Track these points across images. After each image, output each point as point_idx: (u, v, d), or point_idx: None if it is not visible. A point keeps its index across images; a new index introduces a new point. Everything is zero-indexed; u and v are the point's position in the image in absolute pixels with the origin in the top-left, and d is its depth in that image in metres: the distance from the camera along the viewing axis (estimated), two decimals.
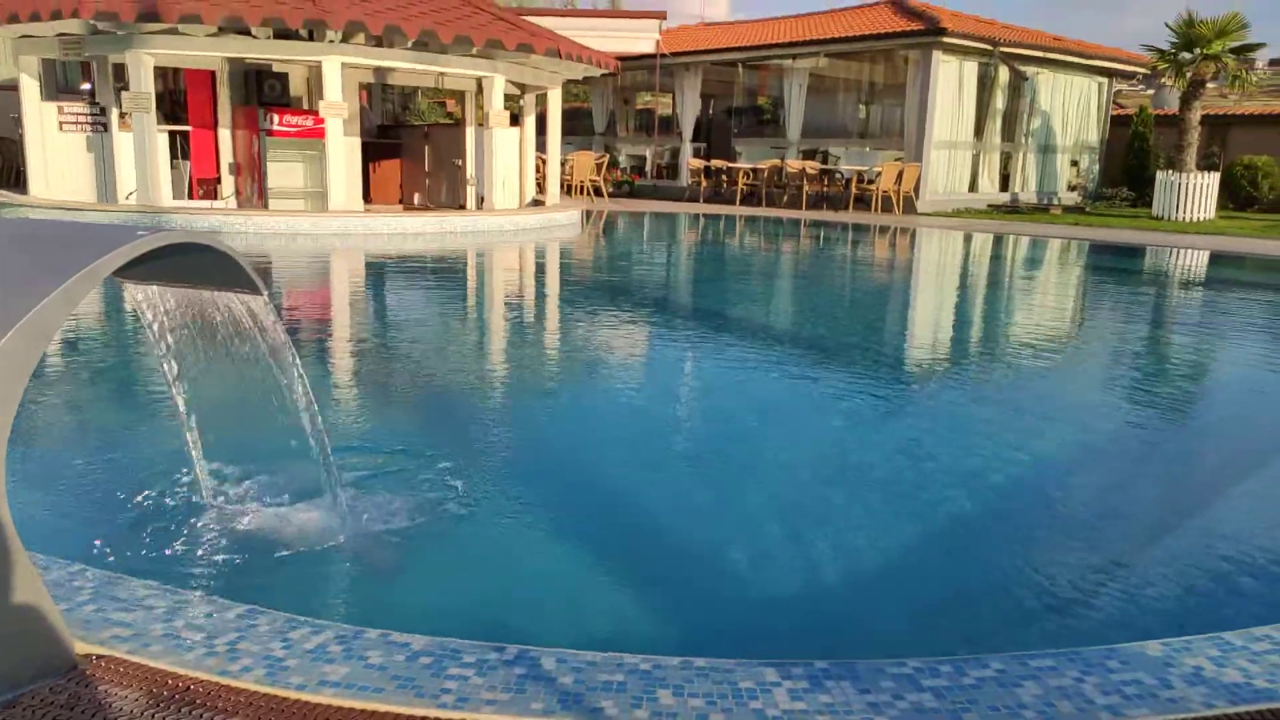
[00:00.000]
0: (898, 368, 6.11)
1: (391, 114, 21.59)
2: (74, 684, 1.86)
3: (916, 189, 18.77)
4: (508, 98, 14.86)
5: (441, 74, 14.62)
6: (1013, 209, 20.17)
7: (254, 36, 12.41)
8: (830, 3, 23.68)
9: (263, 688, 1.88)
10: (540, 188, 16.95)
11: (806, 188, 19.29)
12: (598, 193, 20.09)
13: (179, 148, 13.37)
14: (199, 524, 2.93)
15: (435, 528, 3.00)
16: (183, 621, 2.13)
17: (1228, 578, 2.87)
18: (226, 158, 13.67)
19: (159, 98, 12.88)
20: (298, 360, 2.73)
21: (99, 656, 1.96)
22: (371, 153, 15.40)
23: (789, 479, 3.71)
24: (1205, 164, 20.22)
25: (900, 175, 18.23)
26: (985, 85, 19.96)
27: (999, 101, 20.36)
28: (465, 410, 4.64)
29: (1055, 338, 7.21)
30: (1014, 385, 5.54)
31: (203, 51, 12.43)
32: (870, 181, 18.52)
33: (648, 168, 24.22)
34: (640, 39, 21.21)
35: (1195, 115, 18.62)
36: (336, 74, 12.45)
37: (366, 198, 14.76)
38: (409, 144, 16.23)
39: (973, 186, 20.49)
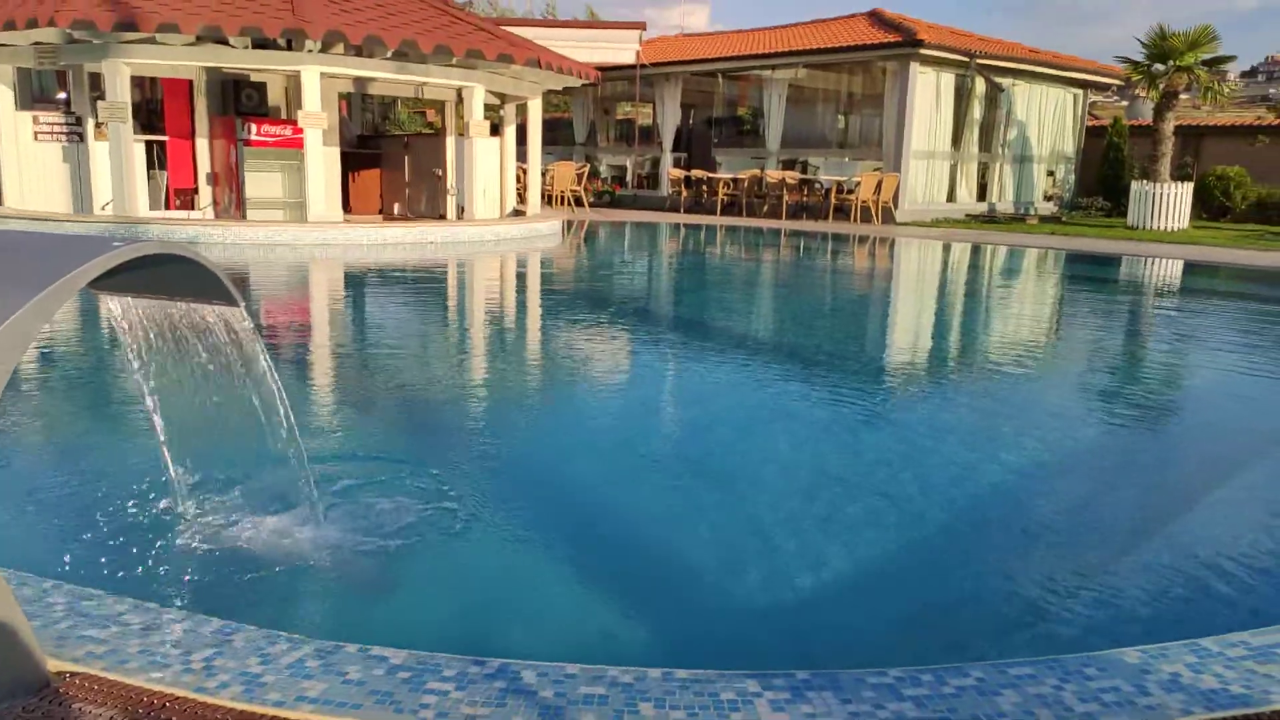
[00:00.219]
0: (878, 377, 6.14)
1: (371, 124, 21.54)
2: (47, 703, 1.83)
3: (895, 199, 18.90)
4: (488, 108, 14.86)
5: (421, 84, 14.62)
6: (990, 219, 20.34)
7: (232, 46, 12.36)
8: (809, 14, 23.89)
9: (240, 704, 1.85)
10: (521, 198, 16.95)
11: (786, 197, 19.38)
12: (579, 202, 20.10)
13: (156, 158, 13.28)
14: (175, 538, 2.90)
15: (413, 540, 2.98)
16: (158, 637, 2.11)
17: (1202, 583, 2.89)
18: (204, 168, 13.60)
19: (135, 107, 12.79)
20: (274, 372, 2.71)
21: (73, 674, 1.93)
22: (351, 163, 15.36)
23: (765, 488, 3.71)
24: (1179, 174, 20.48)
25: (879, 185, 18.34)
26: (962, 96, 20.15)
27: (976, 112, 20.55)
28: (445, 422, 4.62)
29: (1034, 347, 7.26)
30: (992, 394, 5.58)
31: (180, 61, 12.36)
32: (849, 191, 18.63)
33: (628, 178, 24.27)
34: (620, 49, 21.28)
35: (1169, 126, 18.86)
36: (315, 84, 12.41)
37: (346, 208, 14.70)
38: (389, 154, 16.20)
39: (951, 196, 20.66)
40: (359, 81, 15.08)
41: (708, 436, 4.48)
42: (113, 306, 2.50)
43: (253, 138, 12.76)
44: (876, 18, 21.08)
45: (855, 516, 3.41)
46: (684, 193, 21.13)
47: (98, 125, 12.58)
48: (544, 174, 18.75)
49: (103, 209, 12.58)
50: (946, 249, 15.43)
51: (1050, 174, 22.93)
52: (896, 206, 18.96)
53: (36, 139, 12.92)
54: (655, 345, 7.12)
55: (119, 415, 4.47)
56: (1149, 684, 2.01)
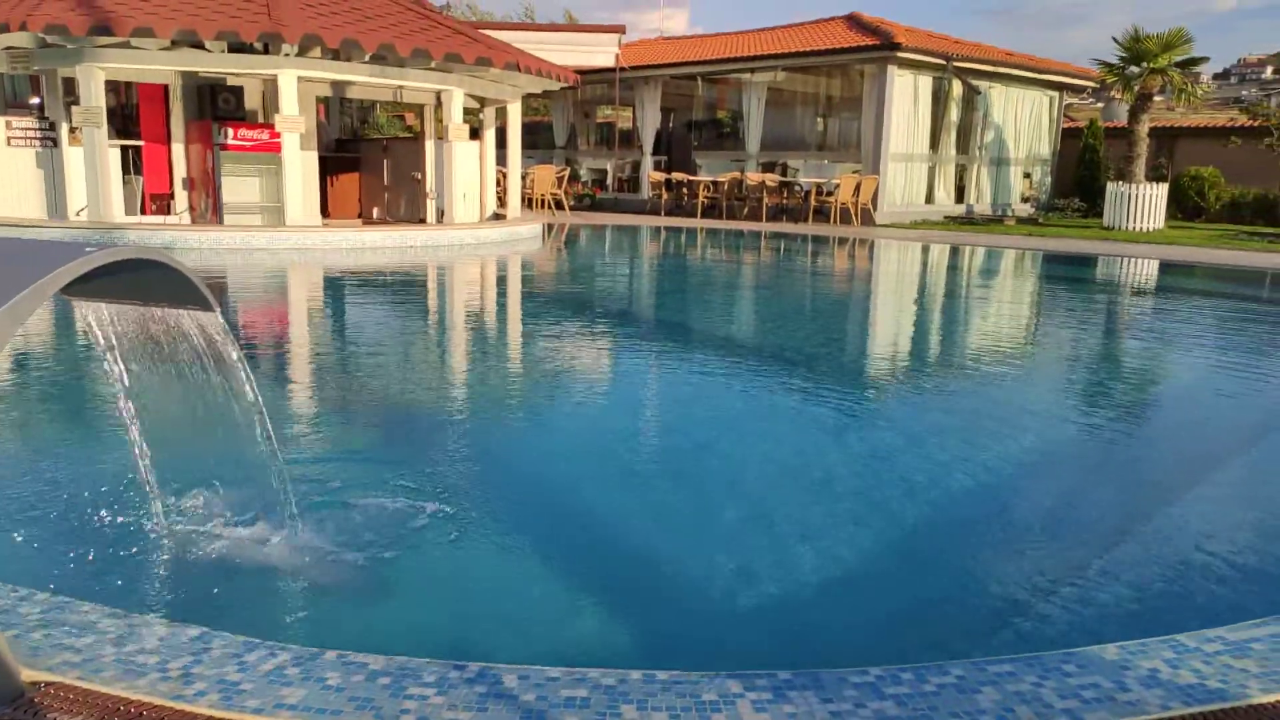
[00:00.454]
0: (858, 378, 6.17)
1: (350, 128, 21.43)
2: (22, 713, 1.81)
3: (874, 201, 19.00)
4: (467, 111, 14.82)
5: (400, 87, 14.55)
6: (968, 220, 20.48)
7: (208, 50, 12.27)
8: (788, 17, 23.99)
9: (218, 712, 1.84)
10: (501, 201, 16.92)
11: (766, 200, 19.44)
12: (559, 206, 20.08)
13: (131, 163, 13.16)
14: (151, 546, 2.88)
15: (391, 545, 2.96)
16: (135, 646, 2.09)
17: (1180, 579, 2.92)
18: (180, 173, 13.49)
19: (110, 112, 12.67)
20: (251, 378, 2.69)
21: (48, 684, 1.91)
22: (329, 167, 15.28)
23: (743, 487, 3.72)
24: (1154, 175, 20.70)
25: (858, 187, 18.43)
26: (939, 99, 20.28)
27: (953, 115, 20.69)
28: (423, 427, 4.60)
29: (1013, 346, 7.31)
30: (972, 392, 5.61)
31: (156, 65, 12.26)
32: (829, 194, 18.71)
33: (609, 181, 24.27)
34: (599, 53, 21.30)
35: (1144, 128, 19.06)
36: (292, 88, 12.34)
37: (324, 212, 14.62)
38: (367, 158, 16.13)
39: (929, 198, 20.79)
40: (337, 85, 15.00)
41: (683, 436, 4.48)
42: (86, 312, 2.48)
43: (229, 142, 12.67)
44: (854, 21, 21.20)
45: (827, 514, 3.42)
46: (664, 196, 21.15)
47: (72, 130, 12.45)
48: (524, 177, 18.72)
49: (77, 214, 12.45)
50: (926, 250, 15.52)
51: (1027, 176, 23.11)
52: (875, 208, 19.06)
53: (10, 144, 12.76)
54: (635, 348, 7.11)
55: (93, 422, 4.42)
56: (1128, 680, 2.03)
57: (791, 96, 23.48)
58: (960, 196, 21.62)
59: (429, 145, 14.97)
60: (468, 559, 2.95)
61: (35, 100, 14.15)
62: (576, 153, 25.77)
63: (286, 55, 12.42)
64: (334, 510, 3.18)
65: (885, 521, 3.39)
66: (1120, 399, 5.70)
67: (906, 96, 19.37)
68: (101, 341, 2.51)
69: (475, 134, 15.63)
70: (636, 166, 23.61)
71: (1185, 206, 21.21)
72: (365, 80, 13.57)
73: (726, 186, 20.08)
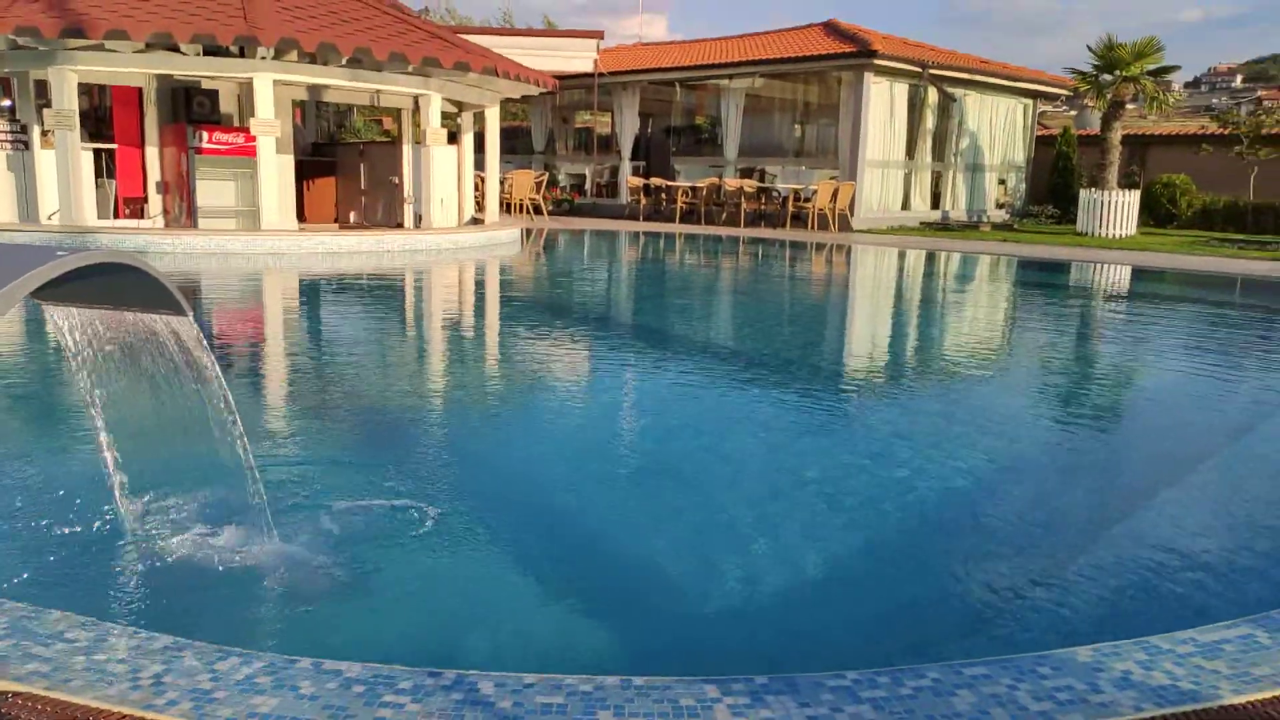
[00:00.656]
0: (836, 381, 6.19)
1: (326, 132, 21.33)
2: None
3: (851, 207, 19.10)
4: (445, 116, 14.79)
5: (377, 91, 14.50)
6: (944, 226, 20.65)
7: (183, 53, 12.17)
8: (766, 24, 24.13)
9: None
10: (479, 206, 16.88)
11: (744, 206, 19.51)
12: (537, 211, 20.06)
13: (104, 166, 13.03)
14: (122, 553, 2.84)
15: (362, 551, 2.94)
16: (105, 654, 2.06)
17: (1151, 582, 2.94)
18: (154, 176, 13.37)
19: (83, 115, 12.55)
20: (223, 383, 2.66)
21: (15, 694, 1.88)
22: (306, 171, 15.19)
23: (719, 491, 3.72)
24: (1126, 182, 20.94)
25: (835, 193, 18.53)
26: (915, 106, 20.44)
27: (929, 122, 20.86)
28: (398, 431, 4.57)
29: (989, 350, 7.37)
30: (948, 396, 5.65)
31: (129, 68, 12.16)
32: (806, 199, 18.80)
33: (587, 186, 24.27)
34: (578, 58, 21.29)
35: (1116, 135, 19.29)
36: (268, 91, 12.26)
37: (301, 217, 14.53)
38: (344, 162, 16.05)
39: (905, 204, 20.93)
40: (313, 89, 14.94)
41: (659, 439, 4.48)
42: (57, 316, 2.45)
43: (204, 146, 12.57)
44: (831, 28, 21.34)
45: (794, 516, 3.43)
46: (643, 201, 21.18)
47: (44, 133, 12.31)
48: (502, 182, 18.69)
49: (49, 218, 12.31)
50: (902, 256, 15.62)
51: (1002, 182, 23.33)
52: (852, 214, 19.17)
53: None
54: (609, 352, 7.11)
55: (63, 427, 4.37)
56: (1101, 682, 2.05)
57: (769, 103, 23.60)
58: (936, 203, 21.79)
59: (406, 149, 14.91)
60: (439, 561, 2.94)
61: (7, 103, 13.99)
62: (555, 158, 25.76)
63: (262, 58, 12.34)
64: (307, 514, 3.15)
65: (848, 521, 3.40)
66: (1091, 403, 5.76)
67: (883, 103, 19.51)
68: (71, 346, 2.48)
69: (453, 138, 15.60)
70: (615, 172, 23.63)
71: (1157, 213, 21.48)
72: (342, 84, 13.51)
73: (705, 192, 20.13)
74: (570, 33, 23.03)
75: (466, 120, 16.53)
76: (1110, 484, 4.08)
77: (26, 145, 12.57)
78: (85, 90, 13.11)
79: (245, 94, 13.58)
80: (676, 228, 19.28)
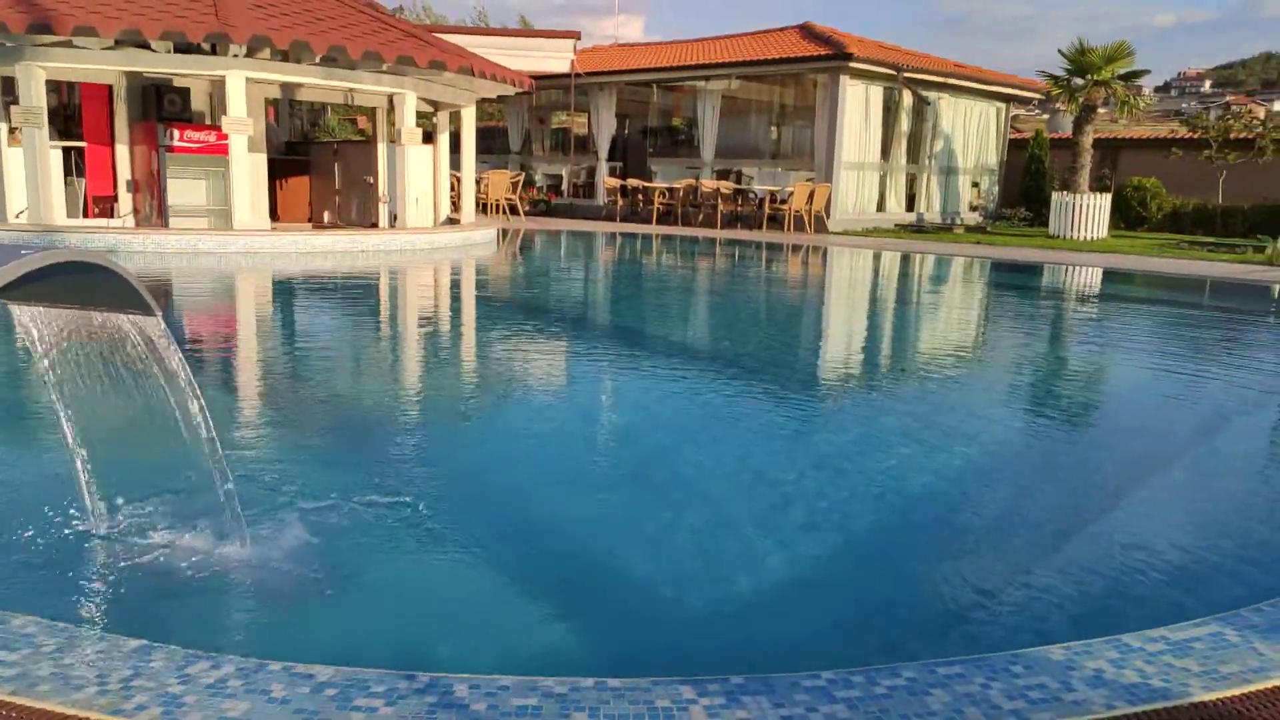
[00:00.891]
0: (811, 382, 6.21)
1: (300, 130, 21.15)
2: None
3: (827, 209, 19.19)
4: (421, 115, 14.70)
5: (351, 90, 14.39)
6: (919, 228, 20.79)
7: (153, 50, 12.02)
8: (742, 26, 24.20)
9: None
10: (455, 206, 16.80)
11: (721, 207, 19.54)
12: (514, 211, 20.00)
13: (73, 164, 12.85)
14: (89, 555, 2.80)
15: (336, 552, 2.92)
16: (72, 659, 2.03)
17: (1122, 580, 2.97)
18: (124, 175, 13.19)
19: (52, 112, 12.36)
20: (193, 383, 2.63)
21: None
22: (279, 170, 15.05)
23: (693, 492, 3.72)
24: (1098, 185, 21.18)
25: (811, 195, 18.61)
26: (890, 109, 20.57)
27: (904, 124, 20.99)
28: (370, 432, 4.54)
29: (962, 351, 7.42)
30: (921, 397, 5.68)
31: (99, 65, 12.00)
32: (783, 201, 18.86)
33: (564, 186, 24.23)
34: (554, 58, 21.24)
35: (1088, 139, 19.50)
36: (240, 89, 12.14)
37: (274, 216, 14.40)
38: (318, 161, 15.93)
39: (881, 206, 21.06)
40: (286, 87, 14.80)
41: (634, 440, 4.47)
42: (23, 316, 2.41)
43: (175, 144, 12.42)
44: (807, 31, 21.43)
45: (762, 515, 3.44)
46: (620, 202, 21.17)
47: (11, 131, 12.12)
48: (478, 182, 18.61)
49: (17, 217, 12.12)
50: (878, 257, 15.71)
51: (975, 185, 23.53)
52: (828, 216, 19.25)
53: None
54: (584, 351, 7.10)
55: (30, 429, 4.30)
56: (1074, 680, 2.06)
57: (746, 105, 23.66)
58: (911, 205, 21.94)
59: (381, 149, 14.82)
60: (406, 561, 2.92)
61: None
62: (532, 158, 25.70)
63: (235, 56, 12.22)
64: (278, 516, 3.12)
65: (810, 520, 3.41)
66: (1061, 402, 5.81)
67: (858, 106, 19.62)
68: (38, 345, 2.44)
69: (429, 138, 15.51)
70: (592, 172, 23.60)
71: (1128, 216, 21.74)
72: (316, 82, 13.40)
73: (682, 194, 20.16)
74: (547, 33, 22.96)
75: (442, 120, 16.45)
76: (1079, 482, 4.11)
77: None
78: (54, 87, 12.91)
79: (217, 92, 13.44)
80: (653, 229, 19.29)
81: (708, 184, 19.95)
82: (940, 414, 5.27)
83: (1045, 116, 31.33)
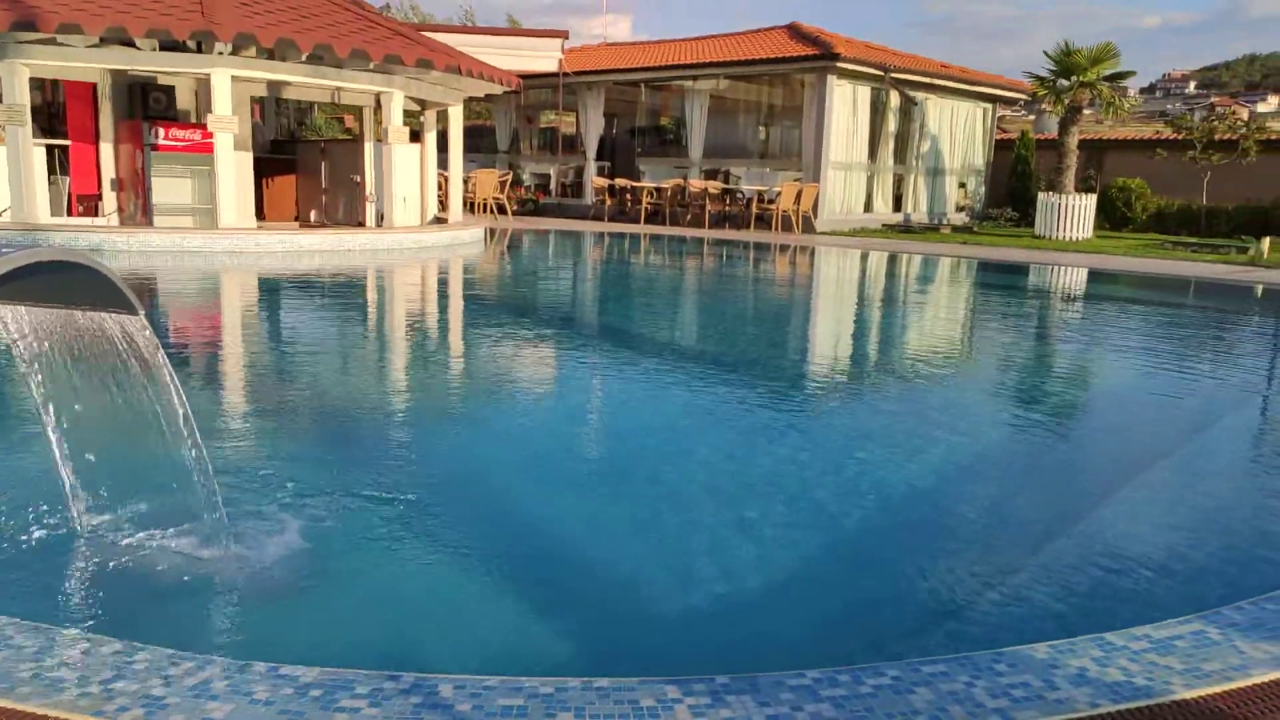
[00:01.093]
0: (796, 381, 6.22)
1: (286, 129, 21.05)
2: None
3: (815, 208, 19.23)
4: (408, 114, 14.66)
5: (338, 89, 14.34)
6: (906, 228, 20.85)
7: (138, 48, 11.95)
8: (730, 26, 24.23)
9: None
10: (442, 205, 16.76)
11: (709, 207, 19.55)
12: (501, 210, 19.97)
13: (57, 163, 12.76)
14: (69, 556, 2.78)
15: (320, 553, 2.90)
16: (53, 660, 2.01)
17: (1107, 579, 2.99)
18: (109, 173, 13.11)
19: (35, 110, 12.28)
20: (177, 382, 2.61)
21: None
22: (265, 169, 14.98)
23: (677, 491, 3.73)
24: (1083, 186, 21.29)
25: (799, 195, 18.64)
26: (878, 109, 20.62)
27: (891, 125, 21.06)
28: (353, 430, 4.53)
29: (949, 350, 7.45)
30: (905, 397, 5.70)
31: (83, 63, 11.92)
32: (770, 201, 18.89)
33: (552, 186, 24.20)
34: (542, 58, 21.21)
35: (1073, 140, 19.59)
36: (226, 87, 12.08)
37: (260, 215, 14.34)
38: (305, 160, 15.86)
39: (868, 206, 21.11)
40: (272, 85, 14.74)
41: (617, 438, 4.47)
42: (4, 314, 2.39)
43: (160, 142, 12.35)
44: (795, 31, 21.47)
45: (742, 512, 3.45)
46: (608, 201, 21.16)
47: None
48: (466, 181, 18.57)
49: (0, 215, 12.03)
50: (865, 257, 15.75)
51: (962, 185, 23.62)
52: (816, 216, 19.29)
53: None
54: (570, 350, 7.09)
55: (10, 428, 4.27)
56: (1057, 678, 2.07)
57: (734, 105, 23.68)
58: (898, 205, 22.00)
59: (368, 148, 14.77)
60: (390, 560, 2.91)
61: None
62: (519, 157, 25.66)
63: (220, 54, 12.16)
64: (261, 516, 3.10)
65: (795, 518, 3.42)
66: (1045, 401, 5.84)
67: (846, 106, 19.67)
68: (20, 344, 2.42)
69: (416, 137, 15.47)
70: (580, 172, 23.58)
71: (1113, 216, 21.85)
72: (302, 81, 13.35)
73: (669, 193, 20.16)
74: (535, 32, 22.94)
75: (430, 119, 16.41)
76: (1062, 480, 4.13)
77: None
78: (38, 85, 12.83)
79: (203, 90, 13.37)
80: (641, 228, 19.29)
81: (695, 184, 19.97)
82: (925, 413, 5.28)
83: (1031, 117, 31.48)
